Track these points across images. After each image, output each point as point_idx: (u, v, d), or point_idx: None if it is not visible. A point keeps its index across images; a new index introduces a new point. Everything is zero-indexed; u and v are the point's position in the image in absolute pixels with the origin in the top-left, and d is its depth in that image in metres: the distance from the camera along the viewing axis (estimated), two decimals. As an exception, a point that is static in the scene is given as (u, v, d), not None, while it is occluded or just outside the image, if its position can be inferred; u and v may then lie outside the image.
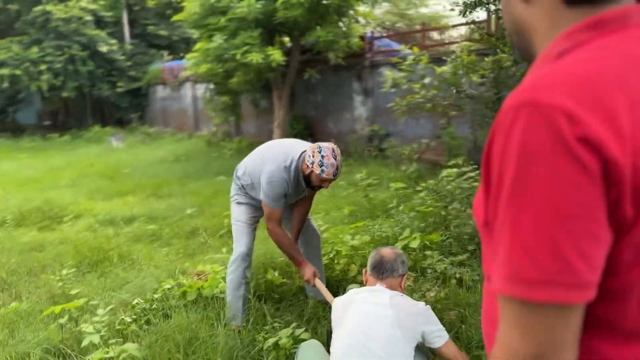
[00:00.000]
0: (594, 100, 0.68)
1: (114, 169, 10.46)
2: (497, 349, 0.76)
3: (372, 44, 10.15)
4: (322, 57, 10.72)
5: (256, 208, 3.55)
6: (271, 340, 2.69)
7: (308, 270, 3.38)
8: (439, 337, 2.24)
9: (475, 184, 4.74)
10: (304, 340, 2.63)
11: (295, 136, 11.51)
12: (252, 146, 12.34)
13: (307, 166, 3.10)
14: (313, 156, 3.06)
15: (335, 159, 3.05)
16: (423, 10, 25.21)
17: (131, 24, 20.47)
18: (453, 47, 6.69)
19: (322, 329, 3.19)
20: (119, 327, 3.24)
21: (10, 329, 3.31)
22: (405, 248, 3.90)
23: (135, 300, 3.53)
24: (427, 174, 7.45)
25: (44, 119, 23.25)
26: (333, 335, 2.23)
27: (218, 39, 9.43)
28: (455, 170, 4.72)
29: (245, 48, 9.27)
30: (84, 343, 2.84)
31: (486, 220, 0.79)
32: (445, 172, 4.77)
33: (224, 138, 13.82)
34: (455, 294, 3.28)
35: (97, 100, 20.38)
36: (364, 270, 2.60)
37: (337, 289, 3.85)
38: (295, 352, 2.56)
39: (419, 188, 5.22)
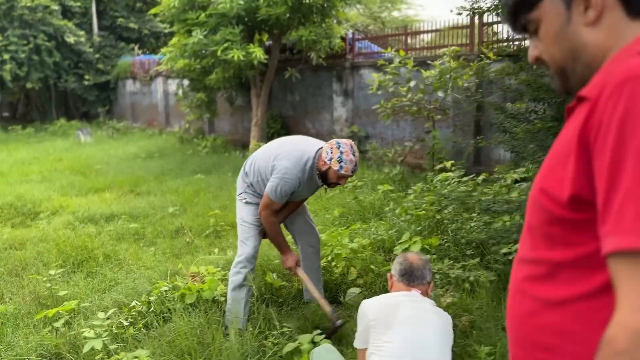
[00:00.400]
0: None
1: (85, 165, 10.12)
2: (625, 315, 0.76)
3: (353, 46, 10.14)
4: (301, 56, 10.64)
5: None
6: (291, 346, 2.62)
7: (291, 259, 3.40)
8: None
9: (464, 187, 4.77)
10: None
11: (272, 136, 11.39)
12: (227, 144, 12.21)
13: (325, 162, 3.06)
14: (331, 152, 3.01)
15: (354, 155, 3.02)
16: (395, 13, 25.51)
17: (100, 15, 19.87)
18: (442, 50, 6.73)
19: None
20: (116, 330, 3.10)
21: (-2, 332, 3.12)
22: (405, 252, 3.88)
23: (133, 303, 3.38)
24: (410, 176, 7.48)
25: (2, 110, 22.34)
26: (381, 337, 2.16)
27: (198, 34, 9.23)
28: (451, 174, 4.73)
29: (225, 44, 9.10)
30: (86, 349, 2.69)
31: (574, 194, 0.84)
32: (440, 176, 4.77)
33: (196, 135, 13.56)
34: (461, 299, 3.28)
35: (61, 92, 19.70)
36: (389, 275, 2.56)
37: (337, 292, 3.81)
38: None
39: (409, 191, 5.21)
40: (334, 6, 9.33)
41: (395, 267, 2.52)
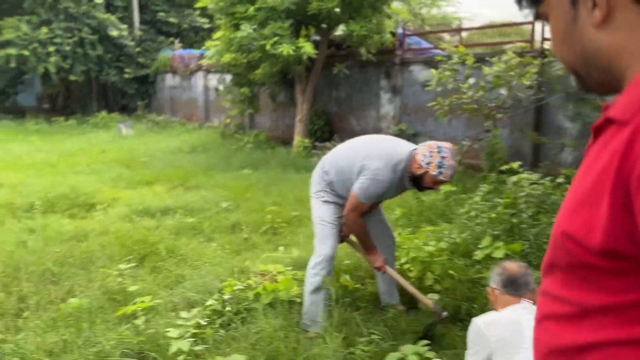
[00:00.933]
0: None
1: (129, 157, 10.14)
2: None
3: (403, 41, 9.91)
4: (347, 52, 10.46)
5: (342, 207, 3.32)
6: (395, 356, 2.45)
7: (380, 258, 3.27)
8: None
9: (540, 189, 4.54)
10: (429, 358, 2.39)
11: (315, 132, 11.26)
12: (269, 140, 12.12)
13: (421, 166, 2.88)
14: (431, 156, 2.84)
15: (454, 161, 2.84)
16: (434, 11, 25.09)
17: (141, 9, 20.04)
18: (507, 47, 6.48)
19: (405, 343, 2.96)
20: (194, 330, 2.98)
21: (75, 327, 3.04)
22: (486, 258, 3.68)
23: (209, 301, 3.27)
24: (465, 177, 7.25)
25: (43, 102, 22.76)
26: (509, 358, 1.97)
27: (247, 28, 9.12)
28: (527, 175, 4.50)
29: (275, 39, 8.98)
30: (173, 349, 2.58)
31: (607, 248, 0.68)
32: (515, 177, 4.55)
33: (236, 130, 13.52)
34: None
35: (101, 85, 19.95)
36: (489, 289, 2.37)
37: (413, 297, 3.63)
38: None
39: (479, 192, 5.00)
40: (386, 0, 9.12)
41: (495, 279, 2.34)
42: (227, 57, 10.37)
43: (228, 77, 12.55)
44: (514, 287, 2.27)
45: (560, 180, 4.45)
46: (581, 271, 0.75)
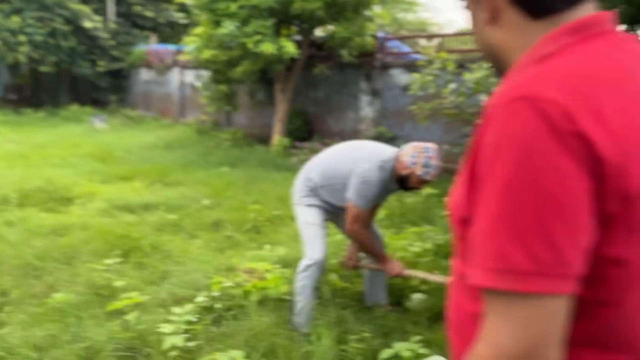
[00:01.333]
0: (586, 100, 0.70)
1: (104, 151, 9.96)
2: (482, 347, 0.73)
3: (384, 45, 10.02)
4: (327, 53, 10.51)
5: (327, 212, 3.35)
6: (389, 352, 2.50)
7: (396, 265, 3.27)
8: None
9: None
10: (425, 355, 2.45)
11: (293, 132, 11.26)
12: (246, 138, 12.07)
13: (406, 167, 2.93)
14: (417, 156, 2.89)
15: (439, 161, 2.91)
16: (411, 16, 25.40)
17: (117, 2, 19.68)
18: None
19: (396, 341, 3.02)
20: (185, 327, 2.97)
21: (62, 323, 2.99)
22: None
23: (200, 298, 3.26)
24: (444, 180, 7.37)
25: (10, 93, 22.13)
26: None
27: (229, 26, 9.08)
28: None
29: (257, 37, 8.97)
30: (166, 345, 2.57)
31: (466, 216, 0.78)
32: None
33: (213, 127, 13.42)
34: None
35: (72, 77, 19.50)
36: None
37: (400, 297, 3.69)
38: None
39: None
40: (369, 3, 9.20)
41: None
42: (206, 54, 10.27)
43: (205, 74, 12.45)
44: None
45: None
46: (460, 244, 0.85)
